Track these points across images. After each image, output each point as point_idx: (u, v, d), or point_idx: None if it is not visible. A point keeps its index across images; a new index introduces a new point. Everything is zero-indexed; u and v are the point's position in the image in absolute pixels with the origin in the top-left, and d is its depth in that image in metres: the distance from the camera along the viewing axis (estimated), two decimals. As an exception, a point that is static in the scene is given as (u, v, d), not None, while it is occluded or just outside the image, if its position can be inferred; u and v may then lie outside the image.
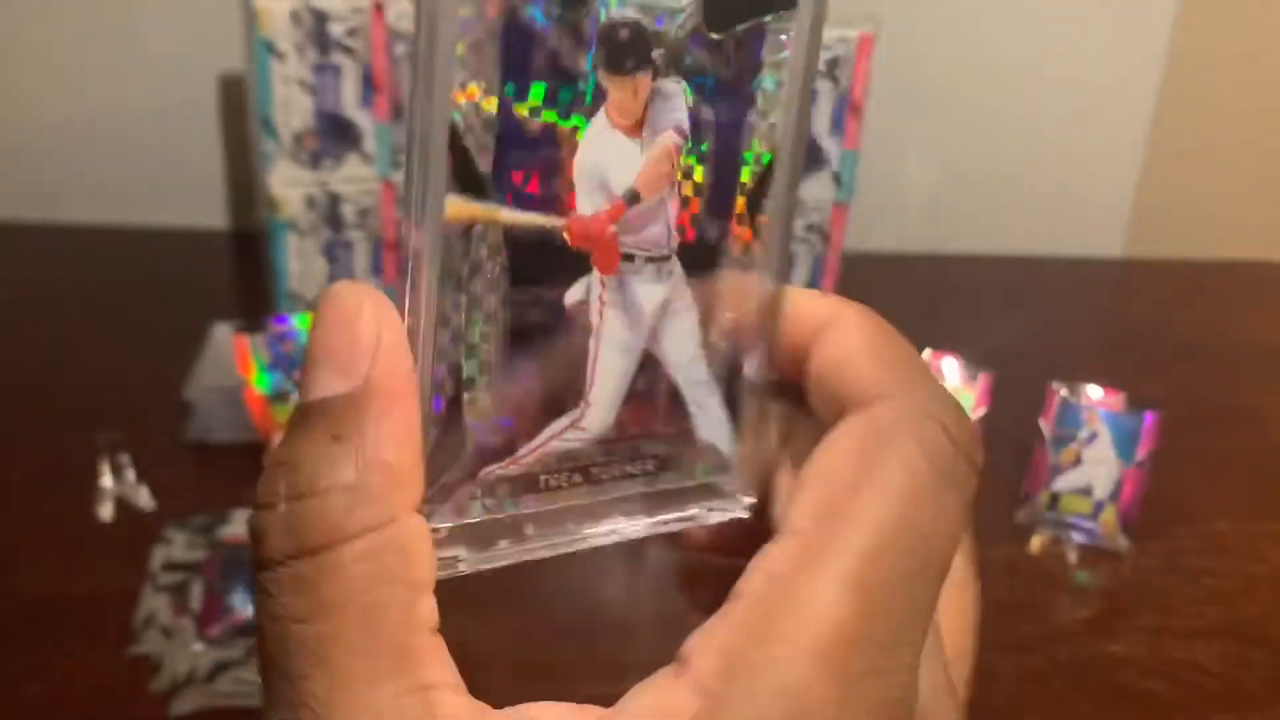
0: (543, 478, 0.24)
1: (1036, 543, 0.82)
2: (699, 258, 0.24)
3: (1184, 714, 0.68)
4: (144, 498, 0.79)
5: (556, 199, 0.22)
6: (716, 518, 0.25)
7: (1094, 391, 0.82)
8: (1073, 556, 0.81)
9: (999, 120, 1.34)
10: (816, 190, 1.01)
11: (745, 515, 0.26)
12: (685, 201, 0.24)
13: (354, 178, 1.00)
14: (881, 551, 0.22)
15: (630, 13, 0.22)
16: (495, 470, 0.23)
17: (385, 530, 0.21)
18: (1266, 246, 1.40)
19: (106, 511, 0.78)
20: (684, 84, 0.23)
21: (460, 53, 0.20)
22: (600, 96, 0.22)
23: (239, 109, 1.22)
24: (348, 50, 0.97)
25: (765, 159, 0.25)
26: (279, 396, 0.83)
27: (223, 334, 0.94)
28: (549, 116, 0.22)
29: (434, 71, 0.20)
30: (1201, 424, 0.99)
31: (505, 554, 0.24)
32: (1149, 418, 0.80)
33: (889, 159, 1.30)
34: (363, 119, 0.99)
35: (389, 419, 0.21)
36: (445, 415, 0.23)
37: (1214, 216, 1.41)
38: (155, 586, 0.70)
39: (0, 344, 1.01)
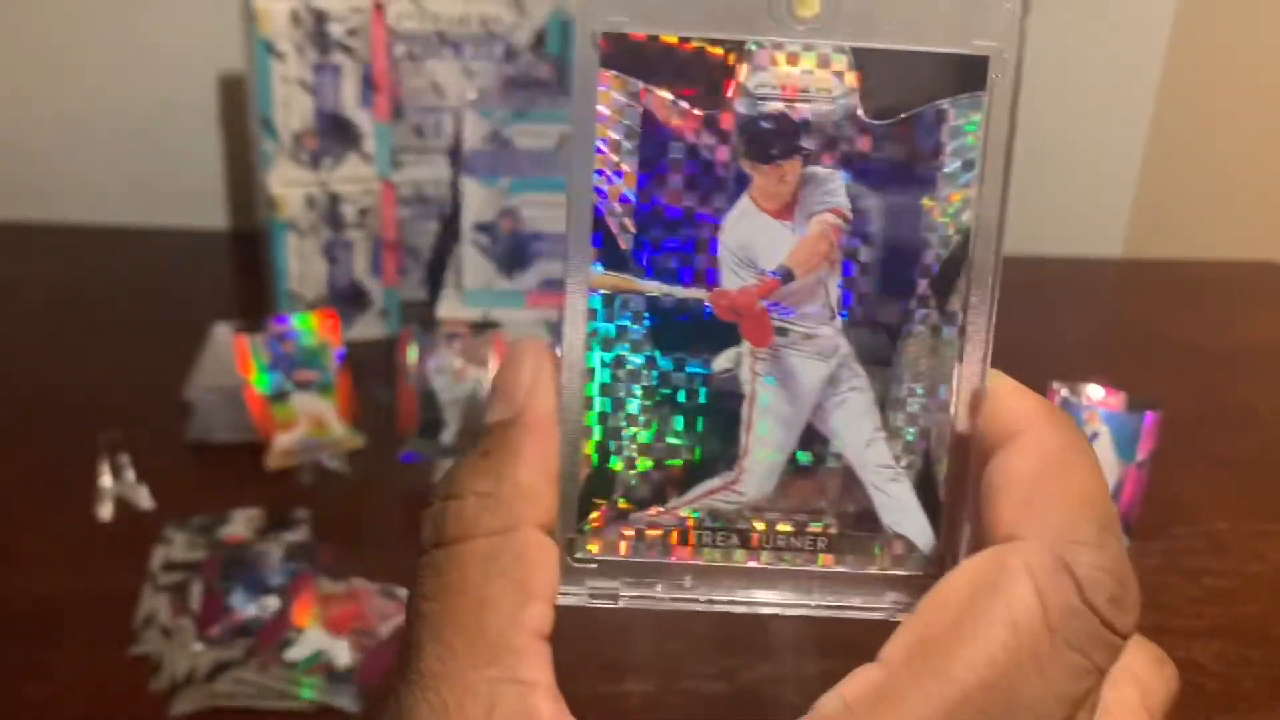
0: (696, 533, 0.25)
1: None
2: (874, 339, 0.25)
3: (1183, 713, 0.68)
4: (144, 498, 0.79)
5: (699, 274, 0.24)
6: (905, 617, 0.23)
7: (1094, 391, 0.82)
8: (1072, 556, 0.81)
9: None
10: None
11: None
12: (850, 282, 0.24)
13: (354, 177, 1.00)
14: (961, 707, 0.21)
15: (772, 105, 0.23)
16: (645, 516, 0.25)
17: (507, 535, 0.24)
18: (1266, 246, 1.40)
19: (106, 511, 0.78)
20: (839, 170, 0.24)
21: (603, 147, 0.24)
22: (744, 181, 0.24)
23: (239, 109, 1.22)
24: (347, 50, 0.97)
25: (951, 242, 0.25)
26: (278, 396, 0.83)
27: (223, 334, 0.94)
28: (688, 200, 0.24)
29: (579, 158, 0.24)
30: (1201, 424, 0.99)
31: (662, 598, 0.25)
32: (1149, 418, 0.80)
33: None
34: (362, 119, 0.99)
35: (529, 444, 0.24)
36: (596, 460, 0.25)
37: (1214, 216, 1.41)
38: (155, 586, 0.70)
39: (1, 344, 1.01)
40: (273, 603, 0.68)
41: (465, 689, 0.23)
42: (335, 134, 0.99)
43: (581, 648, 0.72)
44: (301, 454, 0.83)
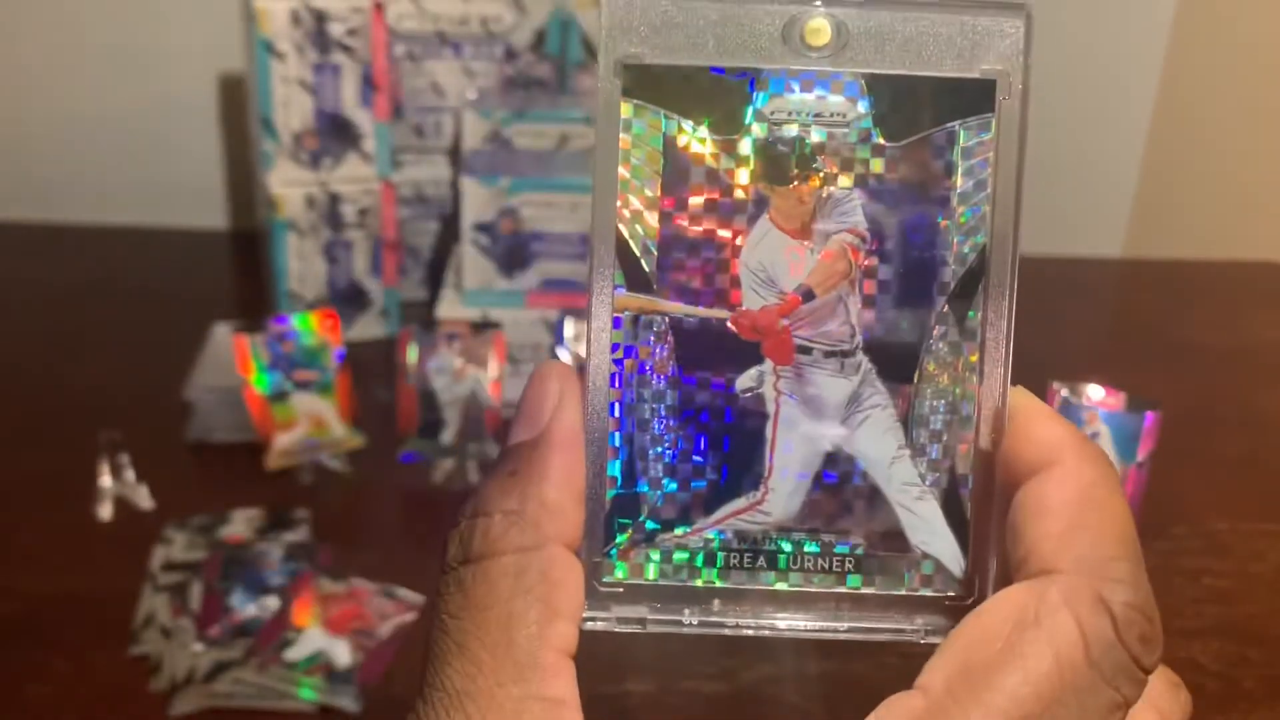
0: (723, 554, 0.25)
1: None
2: (895, 356, 0.25)
3: (1184, 714, 0.68)
4: (144, 497, 0.79)
5: (721, 294, 0.25)
6: (936, 640, 0.24)
7: (1094, 391, 0.82)
8: (1072, 556, 0.81)
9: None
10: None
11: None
12: (870, 300, 0.25)
13: (354, 177, 1.00)
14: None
15: (789, 130, 0.24)
16: (671, 539, 0.25)
17: (533, 553, 0.24)
18: (1266, 246, 1.40)
19: (106, 511, 0.78)
20: (855, 190, 0.25)
21: (625, 173, 0.25)
22: (763, 203, 0.25)
23: (239, 109, 1.22)
24: (347, 50, 0.97)
25: (967, 259, 0.25)
26: (278, 396, 0.83)
27: (223, 334, 0.94)
28: (709, 222, 0.25)
29: (602, 184, 0.24)
30: (1201, 424, 0.99)
31: (690, 623, 0.26)
32: (1149, 418, 0.80)
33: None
34: (362, 119, 0.99)
35: (555, 463, 0.25)
36: (622, 482, 0.26)
37: (1214, 216, 1.41)
38: (155, 586, 0.70)
39: (1, 344, 1.01)
40: (272, 603, 0.68)
41: (491, 706, 0.23)
42: (335, 134, 0.99)
43: (581, 648, 0.72)
44: (301, 454, 0.83)
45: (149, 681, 0.64)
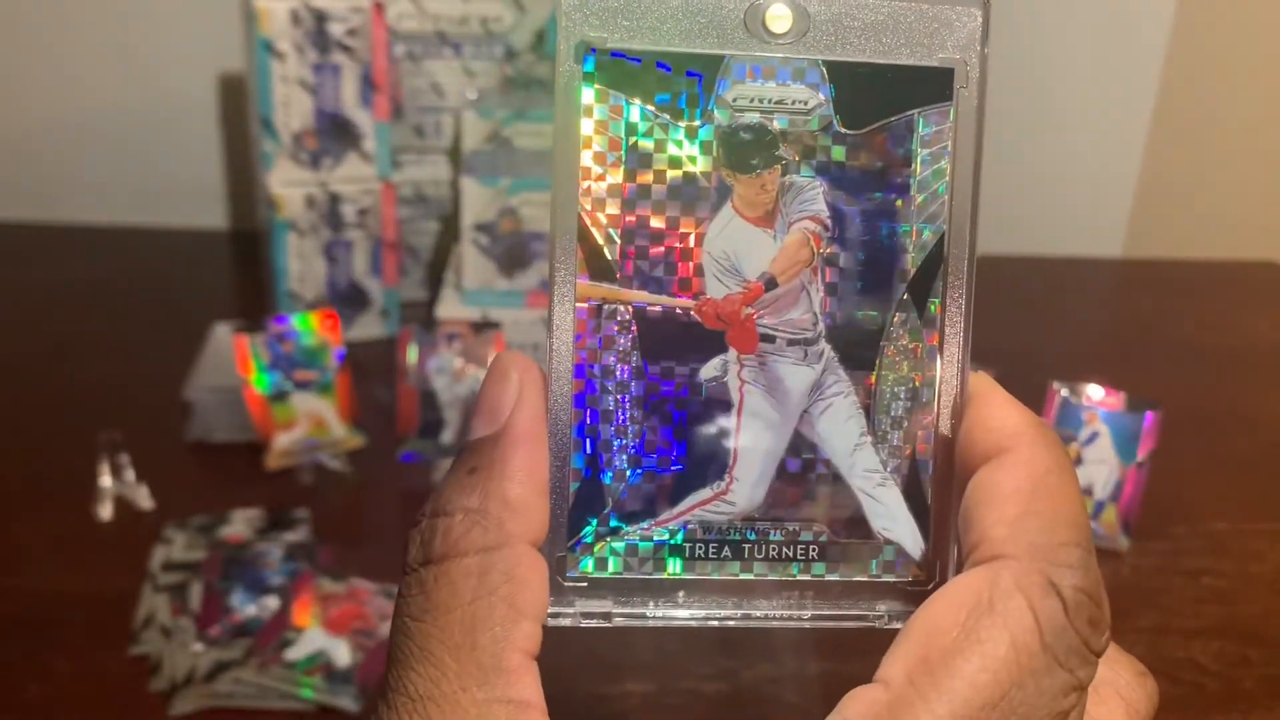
0: (688, 546, 0.25)
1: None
2: (856, 344, 0.25)
3: (1183, 713, 0.68)
4: (144, 497, 0.79)
5: (684, 282, 0.24)
6: (899, 625, 0.24)
7: (1094, 391, 0.82)
8: (1072, 556, 0.81)
9: (999, 120, 1.33)
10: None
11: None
12: (832, 288, 0.25)
13: (354, 177, 1.00)
14: (973, 703, 0.22)
15: (750, 116, 0.24)
16: (636, 531, 0.25)
17: (496, 552, 0.23)
18: (1266, 246, 1.40)
19: (106, 511, 0.78)
20: (817, 178, 0.24)
21: (586, 160, 0.24)
22: (725, 191, 0.24)
23: (239, 109, 1.22)
24: (347, 50, 0.97)
25: (927, 246, 0.25)
26: (278, 396, 0.83)
27: (223, 334, 0.94)
28: (671, 210, 0.24)
29: (563, 171, 0.24)
30: (1201, 424, 0.99)
31: (656, 616, 0.26)
32: (1149, 418, 0.80)
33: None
34: (362, 118, 0.99)
35: (516, 458, 0.24)
36: (585, 474, 0.25)
37: (1214, 216, 1.41)
38: (155, 586, 0.70)
39: (1, 344, 1.01)
40: (272, 603, 0.68)
41: (455, 710, 0.23)
42: (335, 134, 0.99)
43: (581, 648, 0.72)
44: (301, 454, 0.83)
45: (149, 681, 0.64)
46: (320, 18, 0.95)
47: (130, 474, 0.79)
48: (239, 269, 1.19)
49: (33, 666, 0.65)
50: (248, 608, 0.68)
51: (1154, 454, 0.81)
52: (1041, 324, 1.19)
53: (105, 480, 0.79)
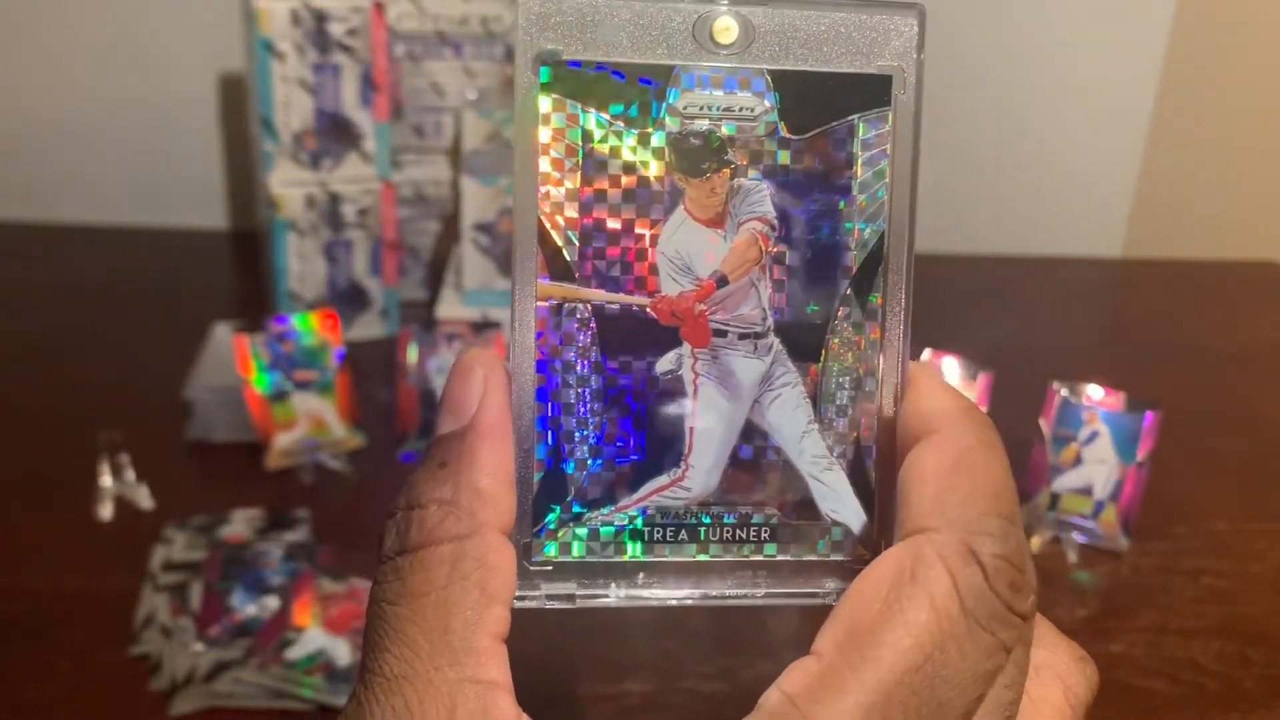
0: (647, 530, 0.27)
1: (1036, 542, 0.82)
2: (803, 337, 0.27)
3: (1183, 713, 0.68)
4: (144, 497, 0.79)
5: (640, 281, 0.26)
6: (833, 609, 0.25)
7: (1094, 391, 0.82)
8: (1073, 556, 0.81)
9: (999, 120, 1.34)
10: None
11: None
12: (779, 285, 0.26)
13: (354, 177, 1.00)
14: (895, 688, 0.23)
15: (700, 123, 0.26)
16: (598, 517, 0.27)
17: (468, 540, 0.25)
18: (1267, 246, 1.40)
19: (106, 511, 0.78)
20: (764, 181, 0.26)
21: (545, 166, 0.25)
22: (677, 194, 0.26)
23: (239, 109, 1.22)
24: (347, 50, 0.97)
25: (868, 245, 0.27)
26: (278, 396, 0.83)
27: (223, 334, 0.94)
28: (626, 213, 0.26)
29: (523, 177, 0.25)
30: (1201, 424, 0.99)
31: (617, 596, 0.27)
32: (1149, 417, 0.81)
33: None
34: (362, 119, 0.99)
35: (485, 452, 0.25)
36: (549, 464, 0.26)
37: (1214, 216, 1.41)
38: (155, 586, 0.70)
39: (1, 344, 1.01)
40: (273, 602, 0.68)
41: (429, 690, 0.24)
42: (335, 134, 0.99)
43: (581, 648, 0.72)
44: (301, 454, 0.83)
45: (149, 681, 0.64)
46: (320, 18, 0.95)
47: (130, 474, 0.79)
48: (239, 269, 1.19)
49: (33, 666, 0.65)
50: (248, 607, 0.68)
51: (1154, 454, 0.81)
52: (1041, 324, 1.19)
53: (105, 480, 0.79)
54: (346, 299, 1.03)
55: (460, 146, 1.00)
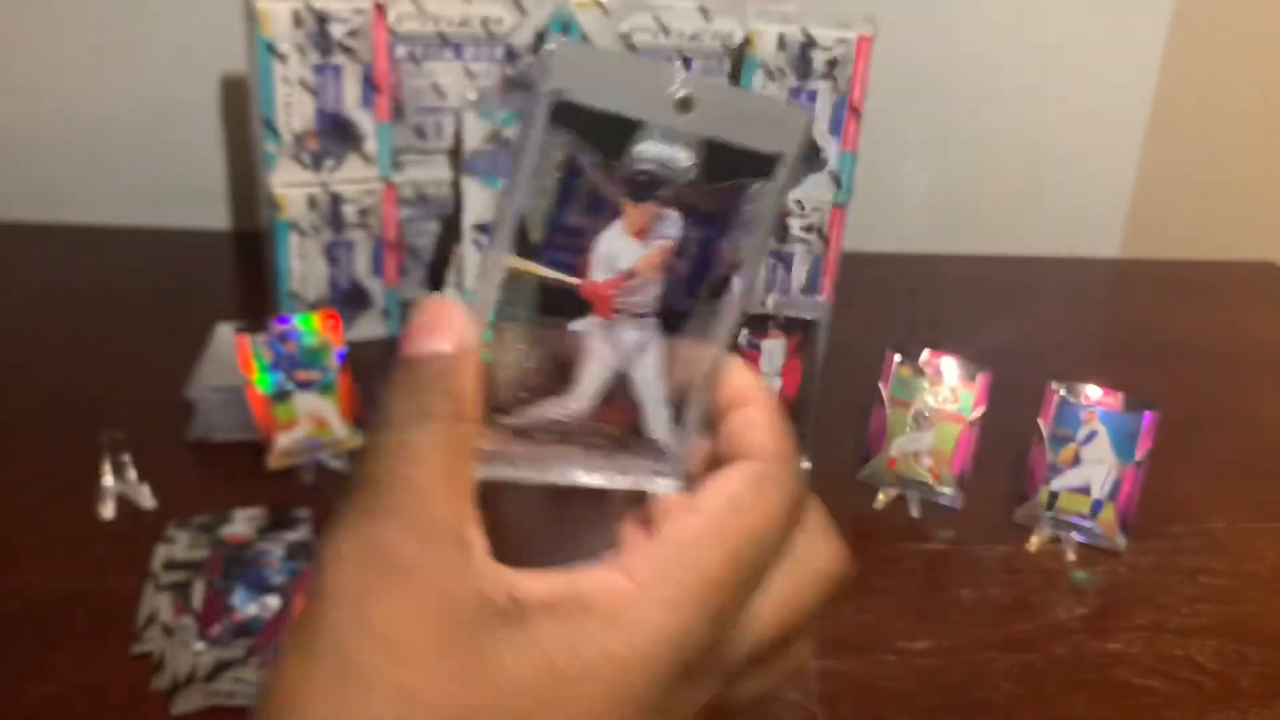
0: (535, 432, 0.36)
1: (1035, 541, 0.82)
2: (672, 321, 0.37)
3: (1180, 711, 0.68)
4: (145, 497, 0.79)
5: (579, 268, 0.35)
6: (659, 489, 0.37)
7: (1092, 391, 0.82)
8: (1071, 555, 0.81)
9: (997, 121, 1.34)
10: (815, 191, 1.02)
11: (675, 494, 0.37)
12: (668, 285, 0.36)
13: (355, 178, 1.01)
14: (752, 534, 0.34)
15: (649, 166, 0.35)
16: (508, 420, 0.36)
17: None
18: (1266, 246, 1.40)
19: (108, 510, 0.78)
20: (677, 213, 0.36)
21: (531, 174, 0.34)
22: (618, 212, 0.35)
23: (241, 110, 1.22)
24: (349, 51, 0.97)
25: (730, 268, 0.37)
26: (280, 396, 0.83)
27: (225, 334, 0.94)
28: (582, 219, 0.35)
29: (521, 176, 0.34)
30: (1200, 424, 0.99)
31: (502, 474, 0.36)
32: (1147, 417, 0.81)
33: (888, 160, 1.30)
34: (364, 119, 0.99)
35: (464, 365, 0.34)
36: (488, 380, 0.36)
37: (1213, 216, 1.41)
38: (157, 585, 0.71)
39: (1, 344, 1.01)
40: (274, 602, 0.69)
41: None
42: (336, 135, 0.99)
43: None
44: (303, 453, 0.84)
45: (150, 680, 0.64)
46: (322, 19, 0.95)
47: (132, 473, 0.80)
48: (241, 269, 1.19)
49: (34, 666, 0.65)
50: (249, 607, 0.68)
51: (1152, 453, 0.81)
52: (1040, 324, 1.19)
53: (107, 479, 0.79)
54: (348, 299, 1.03)
55: (461, 147, 1.00)
